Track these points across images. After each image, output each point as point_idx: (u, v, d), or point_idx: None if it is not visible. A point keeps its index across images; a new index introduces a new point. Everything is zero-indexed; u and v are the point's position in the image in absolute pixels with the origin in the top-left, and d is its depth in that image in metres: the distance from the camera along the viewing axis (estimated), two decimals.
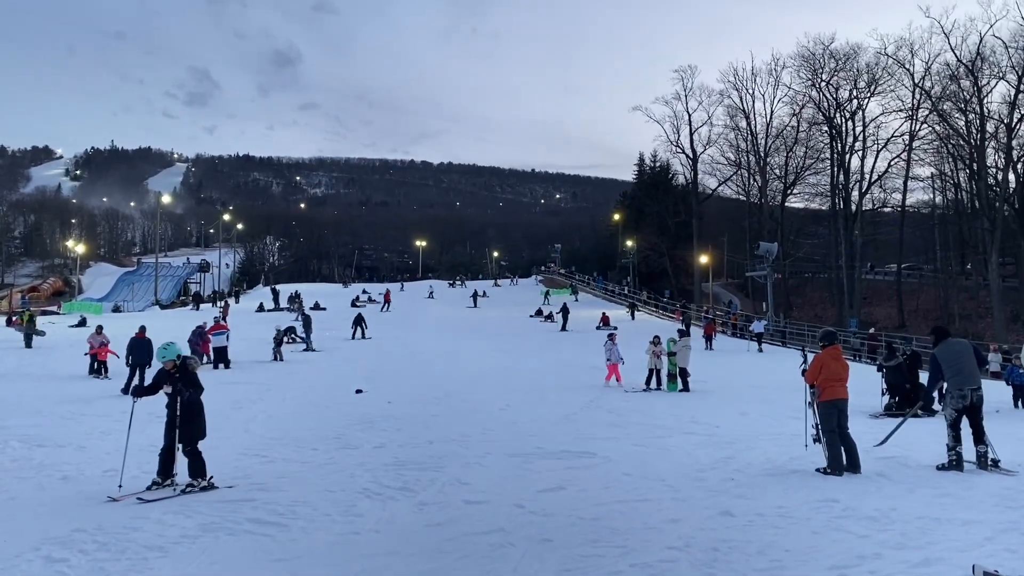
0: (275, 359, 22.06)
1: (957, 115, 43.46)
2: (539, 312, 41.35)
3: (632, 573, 4.87)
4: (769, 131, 54.35)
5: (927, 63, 44.46)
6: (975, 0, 40.99)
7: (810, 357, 8.65)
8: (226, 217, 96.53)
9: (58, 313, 44.19)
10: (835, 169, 50.26)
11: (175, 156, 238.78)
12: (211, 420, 7.86)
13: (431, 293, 54.05)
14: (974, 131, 42.41)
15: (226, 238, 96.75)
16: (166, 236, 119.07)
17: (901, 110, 46.68)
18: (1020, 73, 39.52)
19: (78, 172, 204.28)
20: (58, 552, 5.33)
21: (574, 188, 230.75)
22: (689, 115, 55.89)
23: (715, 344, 29.09)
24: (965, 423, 7.88)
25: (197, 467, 7.28)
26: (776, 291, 42.98)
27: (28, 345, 24.41)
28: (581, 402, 14.30)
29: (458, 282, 66.02)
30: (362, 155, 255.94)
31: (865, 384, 13.42)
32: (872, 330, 32.44)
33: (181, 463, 7.32)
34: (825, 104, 50.07)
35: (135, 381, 15.35)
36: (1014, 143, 40.86)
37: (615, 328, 26.11)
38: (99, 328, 19.51)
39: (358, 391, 15.74)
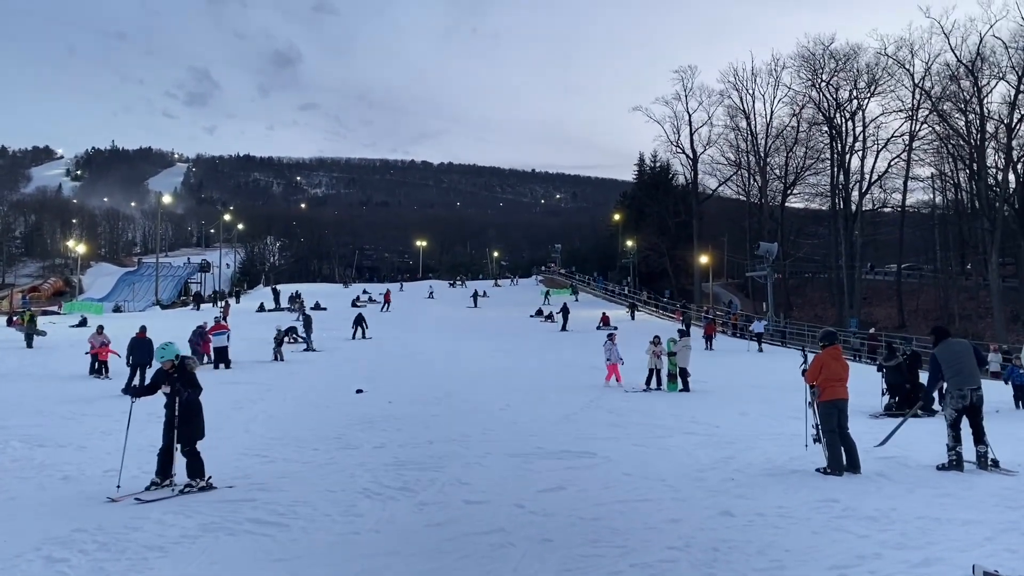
0: (276, 359, 22.07)
1: (957, 115, 43.50)
2: (539, 312, 41.35)
3: (632, 573, 4.87)
4: (769, 131, 54.41)
5: (927, 63, 44.54)
6: (975, 0, 41.07)
7: (810, 357, 8.65)
8: (227, 217, 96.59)
9: (59, 313, 44.18)
10: (835, 169, 50.27)
11: (175, 156, 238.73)
12: (211, 420, 7.87)
13: (431, 293, 54.05)
14: (974, 131, 42.42)
15: (227, 238, 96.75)
16: (167, 236, 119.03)
17: (901, 110, 46.74)
18: (1020, 73, 39.52)
19: (79, 172, 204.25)
20: (58, 552, 5.33)
21: (574, 188, 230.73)
22: (689, 115, 55.99)
23: (715, 344, 29.10)
24: (965, 423, 7.88)
25: (195, 467, 7.27)
26: (776, 291, 42.99)
27: (29, 345, 24.43)
28: (581, 402, 14.31)
29: (458, 282, 66.02)
30: (362, 155, 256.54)
31: (865, 384, 13.42)
32: (872, 330, 32.44)
33: (180, 463, 7.31)
34: (825, 104, 50.12)
35: (135, 381, 15.38)
36: (1014, 143, 40.87)
37: (615, 328, 26.13)
38: (100, 328, 19.52)
39: (358, 391, 15.75)
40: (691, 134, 56.13)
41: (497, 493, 7.10)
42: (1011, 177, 41.93)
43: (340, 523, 6.18)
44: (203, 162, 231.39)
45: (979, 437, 7.86)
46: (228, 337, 21.07)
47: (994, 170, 42.92)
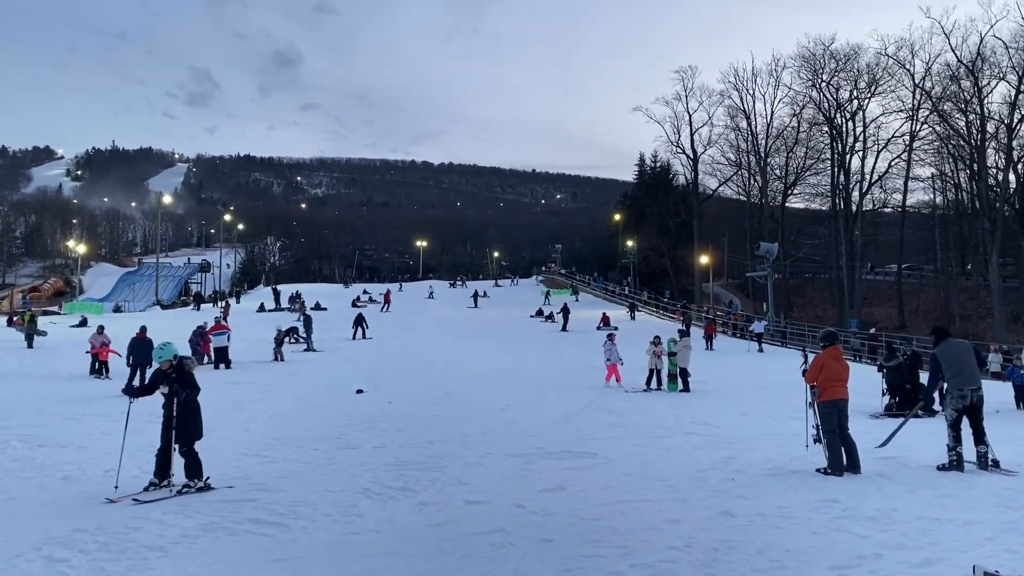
0: (276, 359, 22.07)
1: (957, 115, 43.52)
2: (540, 312, 41.34)
3: (633, 573, 4.87)
4: (769, 131, 54.43)
5: (927, 63, 44.57)
6: (975, 1, 41.08)
7: (810, 357, 8.65)
8: (227, 217, 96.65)
9: (59, 313, 44.21)
10: (835, 169, 50.29)
11: (176, 156, 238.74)
12: (212, 420, 7.87)
13: (431, 293, 54.05)
14: (974, 131, 42.44)
15: (227, 238, 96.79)
16: (167, 236, 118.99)
17: (901, 110, 46.77)
18: (1020, 73, 39.53)
19: (79, 172, 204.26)
20: (59, 552, 5.33)
21: (574, 188, 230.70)
22: (690, 115, 55.97)
23: (715, 344, 29.10)
24: (965, 423, 7.88)
25: (193, 468, 7.25)
26: (776, 291, 42.98)
27: (30, 345, 24.44)
28: (581, 402, 14.30)
29: (459, 282, 66.04)
30: (363, 155, 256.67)
31: (865, 384, 13.42)
32: (872, 330, 32.45)
33: (178, 464, 7.30)
34: (825, 104, 50.14)
35: (135, 381, 15.39)
36: (1014, 143, 40.90)
37: (615, 328, 26.13)
38: (100, 328, 19.52)
39: (359, 391, 15.75)
40: (691, 134, 56.22)
41: (497, 493, 7.10)
42: (1011, 177, 41.96)
43: (340, 523, 6.18)
44: (203, 162, 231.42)
45: (979, 437, 7.86)
46: (228, 337, 21.07)
47: (994, 170, 42.95)
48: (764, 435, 10.44)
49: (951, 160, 46.39)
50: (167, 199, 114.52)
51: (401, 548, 5.49)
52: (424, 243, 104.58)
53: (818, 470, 7.74)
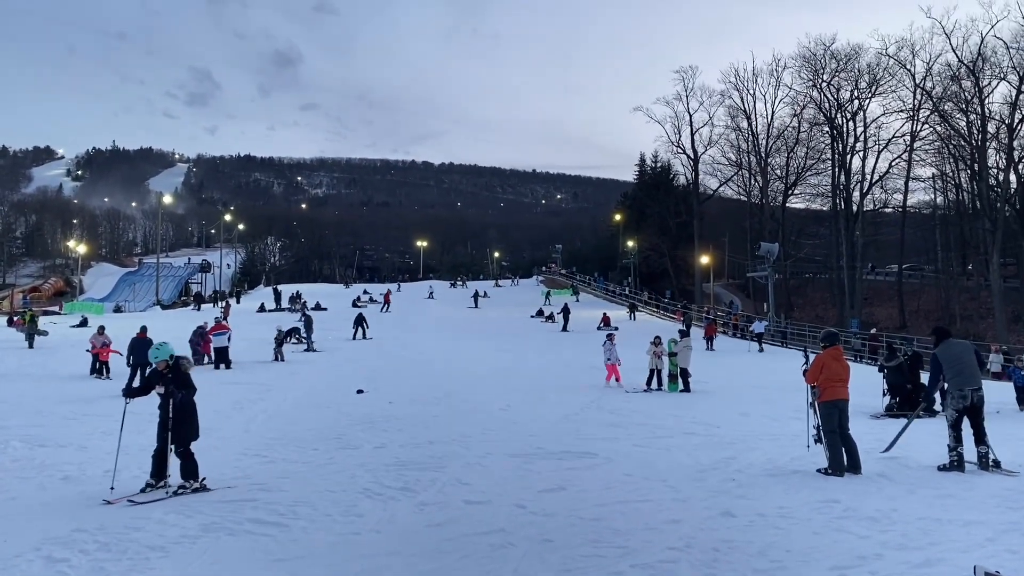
0: (276, 359, 22.08)
1: (958, 116, 43.54)
2: (540, 312, 41.35)
3: (633, 573, 4.87)
4: (770, 131, 54.50)
5: (928, 64, 44.60)
6: (976, 1, 41.10)
7: (811, 357, 8.65)
8: (227, 217, 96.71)
9: (59, 313, 44.23)
10: (836, 169, 50.30)
11: (176, 156, 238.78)
12: (212, 420, 7.86)
13: (431, 293, 54.06)
14: (975, 132, 42.46)
15: (227, 238, 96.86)
16: (167, 236, 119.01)
17: (902, 111, 46.80)
18: (1021, 74, 39.56)
19: (79, 172, 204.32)
20: (59, 552, 5.33)
21: (575, 188, 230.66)
22: (690, 115, 55.98)
23: (716, 345, 29.09)
24: (966, 424, 7.88)
25: (189, 469, 7.21)
26: (777, 292, 42.95)
27: (31, 345, 24.47)
28: (582, 402, 14.30)
29: (459, 282, 66.04)
30: (363, 155, 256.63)
31: (866, 385, 13.41)
32: (873, 331, 32.45)
33: (175, 465, 7.28)
34: (826, 104, 50.16)
35: (136, 382, 15.39)
36: (1015, 144, 40.92)
37: (615, 328, 26.13)
38: (101, 328, 19.55)
39: (359, 391, 15.75)
40: (692, 134, 56.24)
41: (497, 493, 7.10)
42: (1012, 177, 41.96)
43: (341, 523, 6.17)
44: (204, 162, 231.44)
45: (980, 438, 7.86)
46: (229, 337, 21.07)
47: (995, 170, 42.96)
48: (765, 435, 10.43)
49: (952, 160, 46.41)
50: (167, 199, 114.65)
51: (401, 548, 5.49)
52: (424, 243, 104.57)
53: (819, 470, 7.73)
